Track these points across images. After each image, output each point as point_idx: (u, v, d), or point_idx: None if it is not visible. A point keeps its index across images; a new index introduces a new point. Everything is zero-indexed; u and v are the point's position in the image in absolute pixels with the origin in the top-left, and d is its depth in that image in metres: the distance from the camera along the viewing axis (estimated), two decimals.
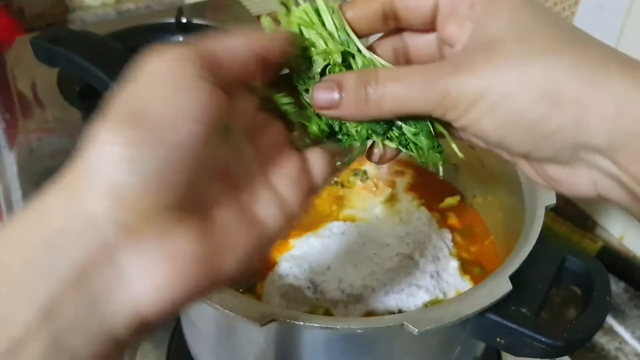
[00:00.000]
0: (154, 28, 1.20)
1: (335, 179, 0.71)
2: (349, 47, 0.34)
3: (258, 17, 1.34)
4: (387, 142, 0.35)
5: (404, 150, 0.35)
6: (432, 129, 0.34)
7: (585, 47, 0.29)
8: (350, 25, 0.34)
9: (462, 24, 0.31)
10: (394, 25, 0.35)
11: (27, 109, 1.02)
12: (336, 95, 0.32)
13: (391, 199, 0.69)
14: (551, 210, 0.77)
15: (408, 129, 0.34)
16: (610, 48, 0.29)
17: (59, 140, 0.96)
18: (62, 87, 1.06)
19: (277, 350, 0.52)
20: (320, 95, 0.32)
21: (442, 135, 0.34)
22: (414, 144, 0.34)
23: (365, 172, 0.74)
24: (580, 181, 0.31)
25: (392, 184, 0.73)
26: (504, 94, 0.29)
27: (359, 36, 0.34)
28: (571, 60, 0.28)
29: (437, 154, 0.34)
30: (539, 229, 0.52)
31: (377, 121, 0.33)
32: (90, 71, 0.76)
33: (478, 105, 0.29)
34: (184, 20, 1.21)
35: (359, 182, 0.72)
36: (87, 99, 1.04)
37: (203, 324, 0.57)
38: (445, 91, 0.29)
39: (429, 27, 0.34)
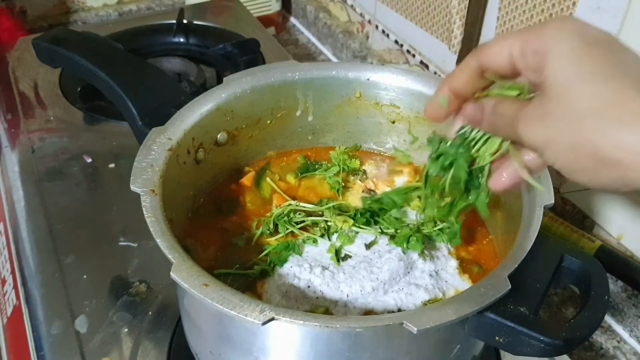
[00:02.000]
0: (155, 29, 1.21)
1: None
2: None
3: (259, 18, 1.34)
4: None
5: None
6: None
7: (625, 102, 0.34)
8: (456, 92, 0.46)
9: (533, 70, 0.39)
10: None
11: (28, 109, 1.03)
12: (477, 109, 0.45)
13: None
14: (549, 210, 0.78)
15: None
16: None
17: (60, 140, 0.96)
18: (63, 87, 1.07)
19: (277, 349, 0.52)
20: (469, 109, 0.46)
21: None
22: None
23: (365, 172, 0.74)
24: None
25: (392, 184, 0.73)
26: (560, 150, 0.36)
27: (467, 96, 0.46)
28: (606, 123, 0.34)
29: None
30: (538, 228, 0.52)
31: None
32: (91, 72, 0.76)
33: (545, 153, 0.38)
34: (185, 21, 1.22)
35: (358, 182, 0.73)
36: (88, 99, 1.04)
37: (204, 322, 0.57)
38: (519, 136, 0.40)
39: (516, 74, 0.42)
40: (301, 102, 0.72)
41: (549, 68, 0.37)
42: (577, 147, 0.35)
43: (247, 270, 0.60)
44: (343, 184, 0.71)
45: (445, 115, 0.47)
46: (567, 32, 0.37)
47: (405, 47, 1.14)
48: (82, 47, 0.80)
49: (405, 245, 0.59)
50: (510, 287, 0.47)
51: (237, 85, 0.68)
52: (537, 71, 0.38)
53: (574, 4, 0.76)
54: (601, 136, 0.34)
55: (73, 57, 0.78)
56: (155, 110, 0.68)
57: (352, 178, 0.73)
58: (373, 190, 0.72)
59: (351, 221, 0.62)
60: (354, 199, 0.70)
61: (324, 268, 0.58)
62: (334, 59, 1.34)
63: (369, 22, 1.25)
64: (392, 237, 0.61)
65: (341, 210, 0.64)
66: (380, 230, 0.62)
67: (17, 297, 0.78)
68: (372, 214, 0.63)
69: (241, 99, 0.68)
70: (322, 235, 0.63)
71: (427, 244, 0.62)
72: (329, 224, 0.63)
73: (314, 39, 1.44)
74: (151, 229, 0.51)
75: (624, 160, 0.33)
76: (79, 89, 1.06)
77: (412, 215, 0.66)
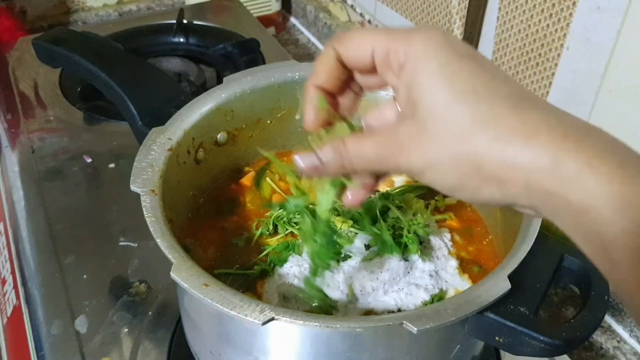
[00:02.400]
0: (155, 29, 1.21)
1: None
2: None
3: (259, 18, 1.34)
4: None
5: None
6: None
7: (500, 120, 0.34)
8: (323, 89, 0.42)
9: (397, 78, 0.38)
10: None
11: (28, 109, 1.03)
12: (316, 161, 0.41)
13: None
14: None
15: None
16: (523, 110, 0.34)
17: (60, 140, 0.96)
18: (63, 87, 1.07)
19: (277, 350, 0.52)
20: (305, 161, 0.42)
21: None
22: None
23: None
24: None
25: (391, 184, 0.73)
26: (441, 173, 0.36)
27: (337, 92, 0.43)
28: (486, 141, 0.34)
29: None
30: (538, 228, 0.52)
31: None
32: (91, 72, 0.76)
33: (423, 176, 0.37)
34: (185, 21, 1.22)
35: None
36: (88, 99, 1.04)
37: (204, 322, 0.57)
38: (397, 168, 0.38)
39: (372, 70, 0.40)
40: (301, 102, 0.72)
41: (420, 90, 0.36)
42: (458, 166, 0.35)
43: (247, 270, 0.60)
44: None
45: (330, 117, 0.43)
46: (435, 46, 0.36)
47: None
48: (82, 47, 0.80)
49: (402, 250, 0.59)
50: (510, 287, 0.47)
51: (237, 85, 0.68)
52: (403, 86, 0.37)
53: (574, 4, 0.76)
54: (482, 155, 0.34)
55: (73, 57, 0.78)
56: (155, 110, 0.68)
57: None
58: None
59: (350, 222, 0.62)
60: None
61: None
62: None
63: (369, 22, 1.25)
64: (394, 238, 0.61)
65: (339, 212, 0.64)
66: (378, 232, 0.62)
67: (17, 297, 0.78)
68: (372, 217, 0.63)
69: (241, 99, 0.68)
70: None
71: (426, 246, 0.62)
72: None
73: (314, 39, 1.44)
74: (151, 229, 0.51)
75: (505, 176, 0.33)
76: (79, 89, 1.06)
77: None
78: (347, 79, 0.43)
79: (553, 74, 0.83)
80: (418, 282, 0.58)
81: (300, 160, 0.42)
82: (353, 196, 0.43)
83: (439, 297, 0.58)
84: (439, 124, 0.35)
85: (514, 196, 0.34)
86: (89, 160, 0.92)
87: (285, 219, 0.64)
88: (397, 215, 0.63)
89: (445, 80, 0.35)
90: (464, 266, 0.62)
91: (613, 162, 0.31)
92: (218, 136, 0.68)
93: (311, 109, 0.43)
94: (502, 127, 0.33)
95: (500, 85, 0.35)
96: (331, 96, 0.44)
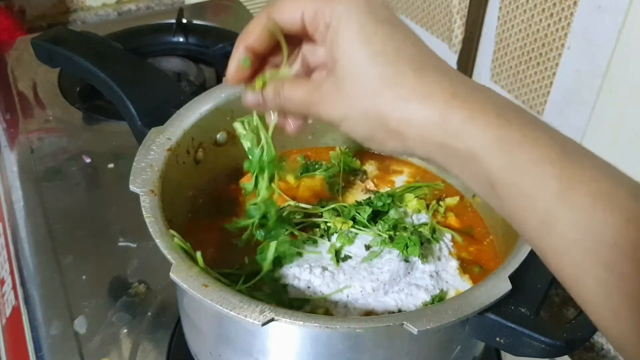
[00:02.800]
0: (154, 29, 1.20)
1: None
2: None
3: None
4: None
5: None
6: None
7: (404, 81, 0.38)
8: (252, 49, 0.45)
9: (323, 40, 0.42)
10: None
11: (27, 109, 1.03)
12: (260, 98, 0.47)
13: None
14: None
15: None
16: (425, 71, 0.39)
17: (59, 140, 0.96)
18: (62, 87, 1.07)
19: (276, 350, 0.52)
20: (250, 99, 0.48)
21: None
22: None
23: (365, 172, 0.74)
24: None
25: (391, 184, 0.73)
26: (354, 125, 0.41)
27: (264, 52, 0.46)
28: (390, 100, 0.38)
29: None
30: None
31: None
32: (90, 71, 0.76)
33: (340, 127, 0.42)
34: (184, 21, 1.22)
35: (358, 182, 0.72)
36: (87, 99, 1.04)
37: (203, 323, 0.57)
38: (319, 116, 0.43)
39: (304, 34, 0.44)
40: None
41: (340, 49, 0.40)
42: (368, 121, 0.40)
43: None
44: (343, 184, 0.71)
45: (249, 76, 0.47)
46: (356, 9, 0.40)
47: None
48: (82, 47, 0.80)
49: (404, 252, 0.59)
50: (511, 287, 0.47)
51: (236, 85, 0.67)
52: (327, 44, 0.41)
53: (574, 3, 0.76)
54: (387, 112, 0.39)
55: (72, 56, 0.78)
56: (154, 110, 0.68)
57: (352, 178, 0.73)
58: (373, 190, 0.71)
59: (350, 222, 0.62)
60: (354, 199, 0.70)
61: (324, 268, 0.58)
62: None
63: None
64: (391, 238, 0.61)
65: (339, 212, 0.64)
66: (379, 232, 0.62)
67: (16, 298, 0.78)
68: (373, 215, 0.63)
69: (241, 99, 0.67)
70: (321, 236, 0.62)
71: (426, 246, 0.62)
72: (328, 224, 0.63)
73: None
74: (150, 229, 0.51)
75: (405, 131, 0.38)
76: (78, 89, 1.05)
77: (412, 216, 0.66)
78: (276, 45, 0.46)
79: (554, 73, 0.83)
80: (418, 282, 0.58)
81: (249, 96, 0.47)
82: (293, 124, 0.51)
83: (439, 298, 0.58)
84: (352, 82, 0.40)
85: (412, 148, 0.39)
86: (88, 160, 0.92)
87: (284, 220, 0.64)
88: (400, 216, 0.63)
89: (360, 44, 0.39)
90: (465, 267, 0.62)
91: (492, 112, 0.37)
92: (218, 136, 0.68)
93: (234, 65, 0.46)
94: (404, 88, 0.38)
95: (408, 48, 0.40)
96: (257, 57, 0.47)
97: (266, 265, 0.57)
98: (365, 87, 0.39)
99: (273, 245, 0.56)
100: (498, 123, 0.36)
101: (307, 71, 0.47)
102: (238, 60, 0.45)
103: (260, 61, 0.47)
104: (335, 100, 0.41)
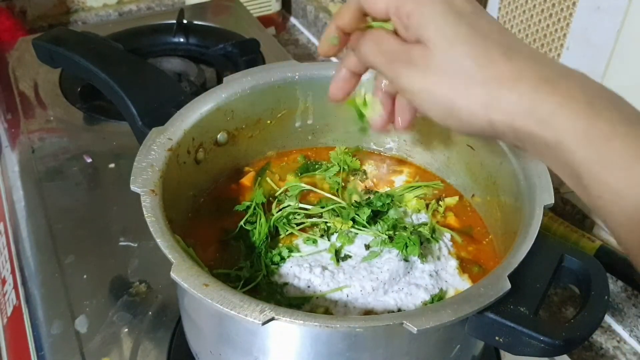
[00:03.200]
0: (155, 29, 1.21)
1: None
2: None
3: (259, 18, 1.34)
4: None
5: None
6: None
7: (493, 65, 0.38)
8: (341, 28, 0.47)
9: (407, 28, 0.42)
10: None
11: (29, 109, 1.03)
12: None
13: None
14: (549, 210, 0.78)
15: None
16: (511, 59, 0.39)
17: (60, 140, 0.96)
18: (63, 87, 1.07)
19: (277, 349, 0.52)
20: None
21: None
22: None
23: (365, 172, 0.74)
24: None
25: (391, 184, 0.73)
26: (432, 99, 0.41)
27: (351, 32, 0.48)
28: (479, 83, 0.38)
29: None
30: (537, 228, 0.52)
31: None
32: (91, 72, 0.76)
33: (416, 98, 0.42)
34: (185, 21, 1.22)
35: (358, 182, 0.73)
36: (88, 99, 1.04)
37: (204, 322, 0.57)
38: (397, 77, 0.43)
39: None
40: (301, 102, 0.72)
41: (429, 28, 0.40)
42: (448, 100, 0.40)
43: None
44: (343, 184, 0.71)
45: (336, 51, 0.49)
46: (441, 3, 0.41)
47: None
48: (82, 47, 0.80)
49: (404, 252, 0.59)
50: (510, 287, 0.47)
51: (237, 85, 0.68)
52: (413, 30, 0.41)
53: (574, 3, 0.76)
54: (470, 93, 0.38)
55: (73, 57, 0.78)
56: (155, 110, 0.68)
57: (352, 178, 0.73)
58: (372, 190, 0.72)
59: (350, 222, 0.62)
60: (354, 199, 0.70)
61: (324, 268, 0.58)
62: (334, 59, 1.34)
63: None
64: (391, 238, 0.61)
65: (339, 212, 0.64)
66: (379, 232, 0.62)
67: (17, 297, 0.78)
68: (373, 215, 0.63)
69: (241, 99, 0.68)
70: (321, 236, 0.63)
71: (426, 246, 0.62)
72: (328, 224, 0.63)
73: (314, 39, 1.44)
74: (151, 229, 0.51)
75: (493, 115, 0.38)
76: (79, 89, 1.06)
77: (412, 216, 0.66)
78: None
79: None
80: (418, 282, 0.58)
81: (353, 36, 0.47)
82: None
83: (439, 297, 0.58)
84: (441, 58, 0.40)
85: (502, 134, 0.39)
86: (89, 160, 0.92)
87: (284, 220, 0.64)
88: (399, 216, 0.63)
89: (450, 24, 0.39)
90: (464, 266, 0.62)
91: (582, 101, 0.36)
92: (218, 136, 0.68)
93: (325, 42, 0.48)
94: (493, 69, 0.38)
95: (495, 34, 0.40)
96: (346, 36, 0.48)
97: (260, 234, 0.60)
98: (452, 64, 0.39)
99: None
100: (587, 113, 0.36)
101: None
102: (329, 39, 0.48)
103: (347, 39, 0.49)
104: (420, 69, 0.41)
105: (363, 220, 0.62)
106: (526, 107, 0.37)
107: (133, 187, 0.55)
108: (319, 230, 0.63)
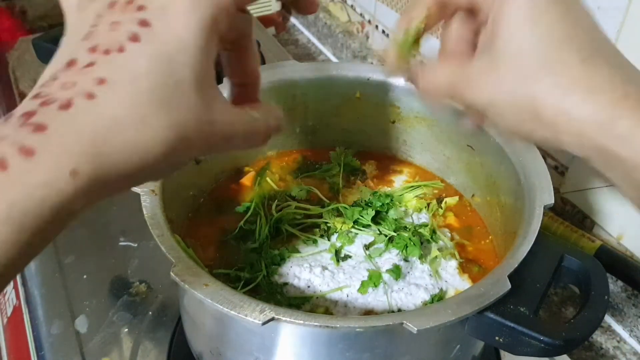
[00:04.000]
0: None
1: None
2: None
3: (259, 18, 1.34)
4: None
5: None
6: None
7: (567, 70, 0.35)
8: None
9: (485, 12, 0.38)
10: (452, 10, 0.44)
11: None
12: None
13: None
14: (549, 210, 0.78)
15: None
16: (591, 66, 0.35)
17: None
18: None
19: (277, 349, 0.52)
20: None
21: None
22: None
23: (364, 172, 0.74)
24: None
25: (391, 184, 0.73)
26: (502, 110, 0.38)
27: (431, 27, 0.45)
28: (546, 87, 0.35)
29: None
30: (538, 228, 0.52)
31: None
32: None
33: (488, 112, 0.39)
34: None
35: (358, 182, 0.73)
36: None
37: (204, 322, 0.57)
38: (463, 99, 0.40)
39: (471, 9, 0.41)
40: (301, 102, 0.72)
41: (503, 25, 0.37)
42: (518, 107, 0.37)
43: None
44: (343, 184, 0.71)
45: (406, 68, 0.47)
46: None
47: None
48: None
49: (404, 252, 0.60)
50: (510, 287, 0.47)
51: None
52: (490, 18, 0.38)
53: None
54: (540, 100, 0.35)
55: None
56: None
57: (352, 178, 0.73)
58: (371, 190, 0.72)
59: (350, 223, 0.62)
60: (354, 199, 0.70)
61: (324, 268, 0.58)
62: (334, 59, 1.34)
63: (369, 22, 1.25)
64: (390, 238, 0.61)
65: (339, 213, 0.64)
66: (379, 232, 0.62)
67: (17, 297, 0.78)
68: (374, 216, 0.63)
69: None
70: (321, 236, 0.63)
71: (426, 246, 0.62)
72: (328, 224, 0.63)
73: (314, 39, 1.44)
74: (151, 229, 0.51)
75: (560, 124, 0.35)
76: None
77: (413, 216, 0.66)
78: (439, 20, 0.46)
79: None
80: (418, 282, 0.58)
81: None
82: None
83: (439, 297, 0.58)
84: (509, 62, 0.36)
85: (567, 144, 0.36)
86: None
87: (284, 220, 0.64)
88: (399, 216, 0.63)
89: (526, 22, 0.36)
90: (464, 266, 0.62)
91: None
92: None
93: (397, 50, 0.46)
94: (567, 77, 0.35)
95: (580, 33, 0.36)
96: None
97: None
98: (522, 69, 0.36)
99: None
100: None
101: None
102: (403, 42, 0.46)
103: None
104: (486, 81, 0.38)
105: (368, 220, 0.62)
106: (601, 120, 0.34)
107: (133, 187, 0.55)
108: (319, 231, 0.63)
